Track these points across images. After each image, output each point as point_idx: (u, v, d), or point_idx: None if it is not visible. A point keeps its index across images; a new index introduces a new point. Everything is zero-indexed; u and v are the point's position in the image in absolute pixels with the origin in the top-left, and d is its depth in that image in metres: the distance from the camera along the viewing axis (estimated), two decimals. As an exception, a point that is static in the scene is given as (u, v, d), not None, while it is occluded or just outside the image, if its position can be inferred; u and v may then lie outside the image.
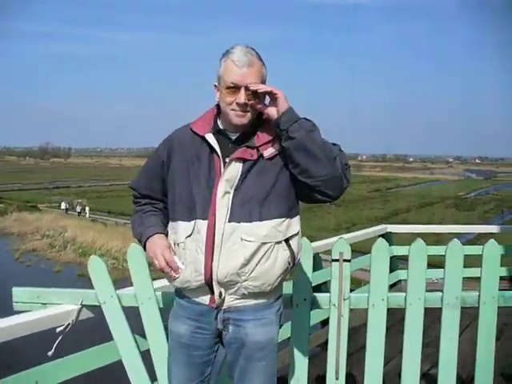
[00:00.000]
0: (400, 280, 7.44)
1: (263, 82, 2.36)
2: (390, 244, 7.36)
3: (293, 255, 2.43)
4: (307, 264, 3.27)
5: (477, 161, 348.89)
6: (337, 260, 3.21)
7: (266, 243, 2.33)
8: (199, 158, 2.41)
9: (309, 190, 2.34)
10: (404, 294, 3.40)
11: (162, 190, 2.58)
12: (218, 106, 2.48)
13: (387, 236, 7.37)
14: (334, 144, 2.37)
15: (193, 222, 2.37)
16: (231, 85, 2.31)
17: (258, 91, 2.30)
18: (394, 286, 7.33)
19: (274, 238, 2.35)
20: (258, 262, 2.33)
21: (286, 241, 2.40)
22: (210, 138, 2.39)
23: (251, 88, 2.29)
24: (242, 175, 2.34)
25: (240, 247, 2.31)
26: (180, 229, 2.42)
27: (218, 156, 2.37)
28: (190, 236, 2.38)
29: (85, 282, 36.84)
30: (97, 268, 3.21)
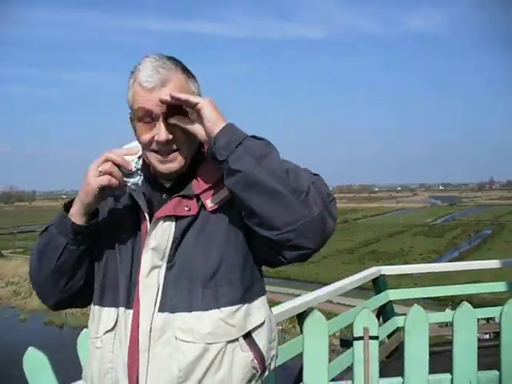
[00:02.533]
0: (398, 328, 6.65)
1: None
2: (386, 288, 6.68)
3: (259, 356, 1.66)
4: (320, 349, 2.47)
5: (440, 187, 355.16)
6: (360, 338, 2.46)
7: (212, 344, 1.58)
8: (124, 218, 1.74)
9: (277, 248, 1.57)
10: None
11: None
12: None
13: (381, 279, 6.68)
14: (303, 169, 1.62)
15: (117, 310, 1.68)
16: (143, 115, 1.63)
17: (172, 102, 1.60)
18: (391, 336, 6.56)
19: (225, 335, 1.60)
20: (205, 373, 1.58)
21: (247, 336, 1.64)
22: (138, 198, 1.71)
23: (161, 99, 1.59)
24: (175, 240, 1.64)
25: (174, 351, 1.58)
26: (101, 318, 1.71)
27: (144, 215, 1.68)
28: (110, 331, 1.67)
29: (52, 329, 36.28)
30: (36, 366, 2.32)
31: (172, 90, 1.60)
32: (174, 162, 1.66)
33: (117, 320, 1.66)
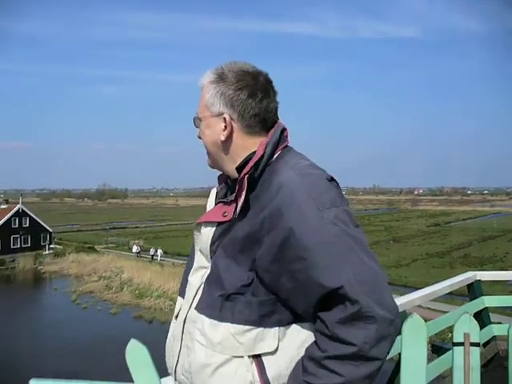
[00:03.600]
0: (495, 336, 6.38)
1: (206, 105, 1.77)
2: (481, 294, 6.43)
3: (264, 380, 1.62)
4: (419, 351, 2.40)
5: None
6: (461, 344, 2.37)
7: (219, 353, 1.65)
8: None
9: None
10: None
11: None
12: None
13: (477, 285, 6.43)
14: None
15: (181, 300, 1.88)
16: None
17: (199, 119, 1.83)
18: (487, 345, 6.30)
19: (231, 349, 1.64)
20: (209, 376, 1.66)
21: (256, 358, 1.64)
22: (212, 195, 1.93)
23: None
24: (212, 244, 1.74)
25: (190, 348, 1.73)
26: (176, 305, 1.93)
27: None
28: (177, 316, 1.86)
29: (141, 324, 37.20)
30: (137, 357, 2.36)
31: (200, 95, 1.79)
32: (209, 158, 1.85)
33: (180, 308, 1.84)
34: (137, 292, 45.40)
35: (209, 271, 1.73)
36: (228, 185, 1.85)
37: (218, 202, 1.77)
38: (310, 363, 1.56)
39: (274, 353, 1.64)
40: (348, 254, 1.53)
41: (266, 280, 1.63)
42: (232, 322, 1.64)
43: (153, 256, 62.83)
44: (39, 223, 70.54)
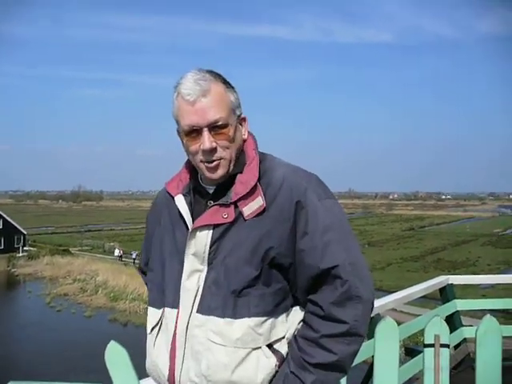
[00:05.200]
0: (465, 339, 6.50)
1: (232, 109, 1.80)
2: (453, 297, 6.56)
3: (282, 358, 1.75)
4: (391, 354, 2.49)
5: (510, 196, 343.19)
6: (431, 345, 2.46)
7: (239, 348, 1.71)
8: (173, 226, 1.91)
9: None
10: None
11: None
12: None
13: (449, 288, 6.55)
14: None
15: (161, 310, 1.87)
16: (188, 129, 1.77)
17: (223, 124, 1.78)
18: (457, 347, 6.42)
19: (252, 342, 1.72)
20: (231, 374, 1.71)
21: (269, 346, 1.74)
22: (180, 201, 1.87)
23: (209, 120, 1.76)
24: (212, 245, 1.77)
25: (205, 350, 1.73)
26: (149, 317, 1.92)
27: (187, 223, 1.84)
28: (155, 327, 1.88)
29: (116, 327, 36.92)
30: (116, 359, 2.42)
31: (213, 101, 1.73)
32: (219, 170, 1.78)
33: (160, 319, 1.84)
34: (112, 295, 45.12)
35: (206, 273, 1.76)
36: (198, 189, 1.88)
37: (214, 205, 1.78)
38: (305, 343, 1.69)
39: (282, 339, 1.76)
40: (343, 238, 1.73)
41: (285, 266, 1.73)
42: (249, 316, 1.71)
43: (134, 259, 60.36)
44: (13, 225, 69.86)
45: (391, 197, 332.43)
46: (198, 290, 1.76)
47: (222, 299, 1.72)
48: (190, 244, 1.78)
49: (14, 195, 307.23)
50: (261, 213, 1.74)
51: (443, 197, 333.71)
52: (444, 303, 6.61)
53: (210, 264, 1.76)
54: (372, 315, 4.54)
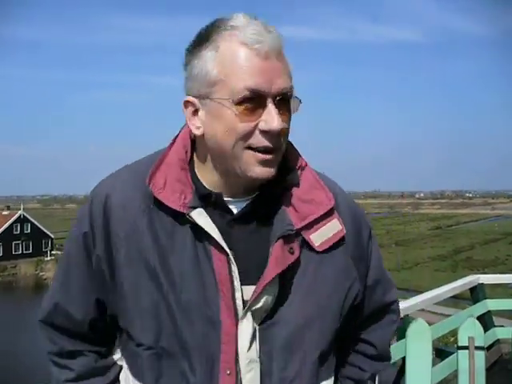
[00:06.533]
0: (498, 340, 6.36)
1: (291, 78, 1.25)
2: (484, 297, 6.42)
3: None
4: (424, 355, 2.40)
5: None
6: (465, 348, 2.36)
7: None
8: (197, 259, 1.22)
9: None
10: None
11: (102, 316, 1.35)
12: (192, 140, 1.32)
13: (480, 288, 6.41)
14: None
15: None
16: (249, 95, 1.15)
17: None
18: (490, 348, 6.27)
19: None
20: None
21: None
22: (206, 224, 1.21)
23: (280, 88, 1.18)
24: (279, 294, 1.24)
25: None
26: None
27: (228, 256, 1.21)
28: None
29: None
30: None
31: (286, 61, 1.21)
32: (274, 165, 1.21)
33: None
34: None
35: (258, 334, 1.23)
36: (210, 199, 1.25)
37: (281, 237, 1.22)
38: None
39: None
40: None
41: (357, 303, 1.37)
42: (330, 377, 1.36)
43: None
44: (41, 229, 70.65)
45: (417, 196, 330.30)
46: (257, 360, 1.22)
47: (299, 365, 1.26)
48: (260, 297, 1.21)
49: (41, 200, 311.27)
50: (337, 242, 1.29)
51: (470, 195, 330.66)
52: (475, 303, 6.48)
53: (264, 320, 1.23)
54: (401, 316, 4.45)
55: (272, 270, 1.20)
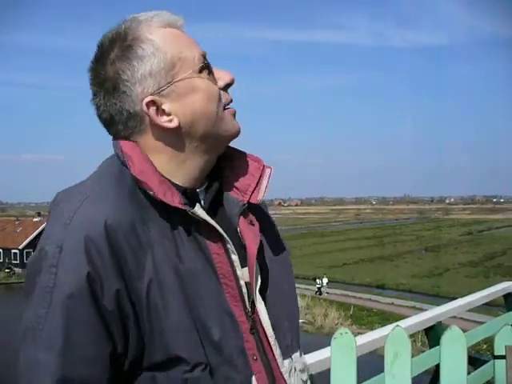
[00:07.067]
0: (533, 348, 6.24)
1: None
2: (520, 307, 6.29)
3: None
4: (459, 364, 2.34)
5: None
6: (502, 357, 2.31)
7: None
8: (203, 262, 1.20)
9: None
10: None
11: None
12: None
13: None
14: None
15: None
16: (204, 61, 1.24)
17: None
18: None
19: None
20: None
21: None
22: (207, 217, 1.21)
23: None
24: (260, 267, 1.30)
25: None
26: None
27: (227, 245, 1.23)
28: None
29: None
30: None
31: None
32: None
33: None
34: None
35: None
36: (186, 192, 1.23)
37: (239, 215, 1.28)
38: None
39: None
40: None
41: None
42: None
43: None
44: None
45: (447, 201, 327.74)
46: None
47: (290, 334, 1.34)
48: (257, 275, 1.26)
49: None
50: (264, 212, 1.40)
51: (501, 200, 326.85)
52: (508, 311, 6.37)
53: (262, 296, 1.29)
54: (433, 323, 4.34)
55: (252, 246, 1.24)
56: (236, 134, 1.29)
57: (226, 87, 1.26)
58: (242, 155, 1.34)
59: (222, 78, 1.26)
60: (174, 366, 1.12)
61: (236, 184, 1.30)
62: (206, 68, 1.23)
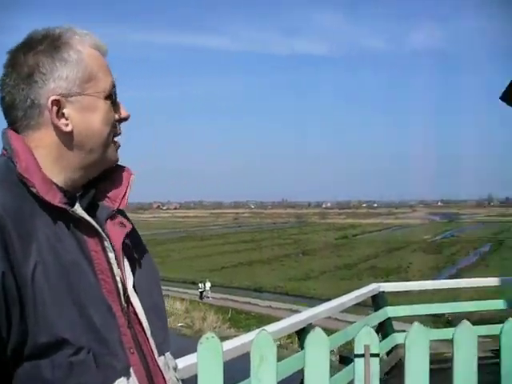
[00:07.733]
0: (397, 345, 6.63)
1: None
2: (385, 305, 6.68)
3: None
4: (321, 366, 2.46)
5: (440, 204, 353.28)
6: (361, 355, 2.45)
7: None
8: (86, 256, 1.27)
9: None
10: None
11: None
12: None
13: (381, 296, 6.67)
14: None
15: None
16: (112, 90, 1.36)
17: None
18: (390, 353, 6.53)
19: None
20: None
21: None
22: (87, 216, 1.28)
23: None
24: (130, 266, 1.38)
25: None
26: None
27: (104, 242, 1.31)
28: None
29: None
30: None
31: None
32: None
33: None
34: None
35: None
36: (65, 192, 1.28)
37: (108, 218, 1.35)
38: None
39: None
40: None
41: None
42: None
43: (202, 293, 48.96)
44: None
45: (324, 206, 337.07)
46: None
47: (163, 332, 1.41)
48: (125, 266, 1.34)
49: None
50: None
51: (375, 205, 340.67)
52: (376, 310, 6.73)
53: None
54: (304, 325, 4.51)
55: (117, 243, 1.32)
56: (113, 164, 1.40)
57: (120, 120, 1.39)
58: (118, 168, 1.43)
59: (121, 112, 1.38)
60: (59, 350, 1.14)
61: (109, 194, 1.39)
62: (111, 96, 1.34)
